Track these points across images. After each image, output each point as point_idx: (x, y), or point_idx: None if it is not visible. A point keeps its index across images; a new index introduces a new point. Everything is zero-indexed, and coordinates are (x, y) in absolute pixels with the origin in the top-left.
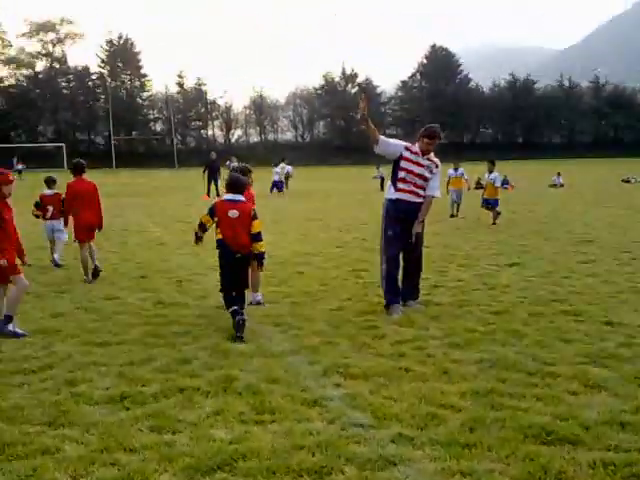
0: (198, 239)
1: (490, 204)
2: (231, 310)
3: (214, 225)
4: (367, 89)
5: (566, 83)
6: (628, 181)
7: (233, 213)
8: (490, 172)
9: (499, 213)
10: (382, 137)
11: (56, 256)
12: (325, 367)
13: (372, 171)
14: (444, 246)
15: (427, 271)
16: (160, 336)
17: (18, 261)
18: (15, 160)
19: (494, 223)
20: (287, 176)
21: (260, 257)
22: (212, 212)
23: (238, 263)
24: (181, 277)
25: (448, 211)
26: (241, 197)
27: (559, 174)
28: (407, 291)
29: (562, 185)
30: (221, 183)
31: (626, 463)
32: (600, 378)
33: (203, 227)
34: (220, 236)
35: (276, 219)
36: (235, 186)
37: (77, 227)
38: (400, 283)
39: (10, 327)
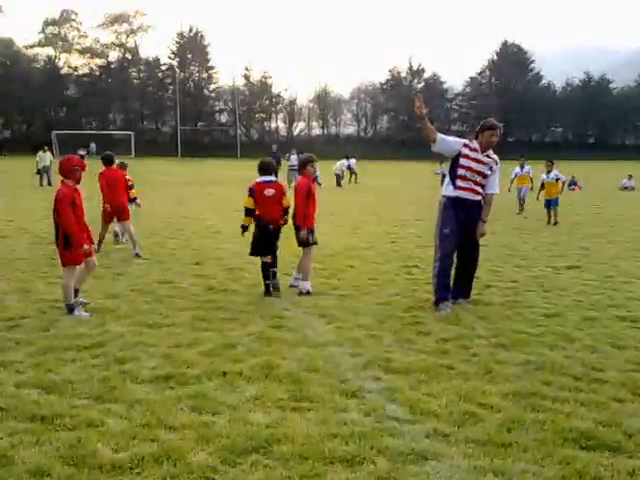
0: (245, 229)
1: (550, 204)
2: (266, 283)
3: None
4: (424, 90)
5: None
6: None
7: (269, 191)
8: (549, 172)
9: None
10: (440, 135)
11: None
12: (367, 360)
13: (434, 167)
14: (501, 245)
15: (480, 270)
16: (208, 321)
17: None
18: (94, 147)
19: (556, 223)
20: (350, 170)
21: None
22: (251, 192)
23: (271, 234)
24: (233, 265)
25: (516, 209)
26: (273, 177)
27: (630, 177)
28: (458, 289)
29: (633, 188)
30: (280, 175)
31: None
32: None
33: (251, 212)
34: (258, 212)
35: (331, 212)
36: (266, 169)
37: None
38: (452, 281)
39: (75, 312)
